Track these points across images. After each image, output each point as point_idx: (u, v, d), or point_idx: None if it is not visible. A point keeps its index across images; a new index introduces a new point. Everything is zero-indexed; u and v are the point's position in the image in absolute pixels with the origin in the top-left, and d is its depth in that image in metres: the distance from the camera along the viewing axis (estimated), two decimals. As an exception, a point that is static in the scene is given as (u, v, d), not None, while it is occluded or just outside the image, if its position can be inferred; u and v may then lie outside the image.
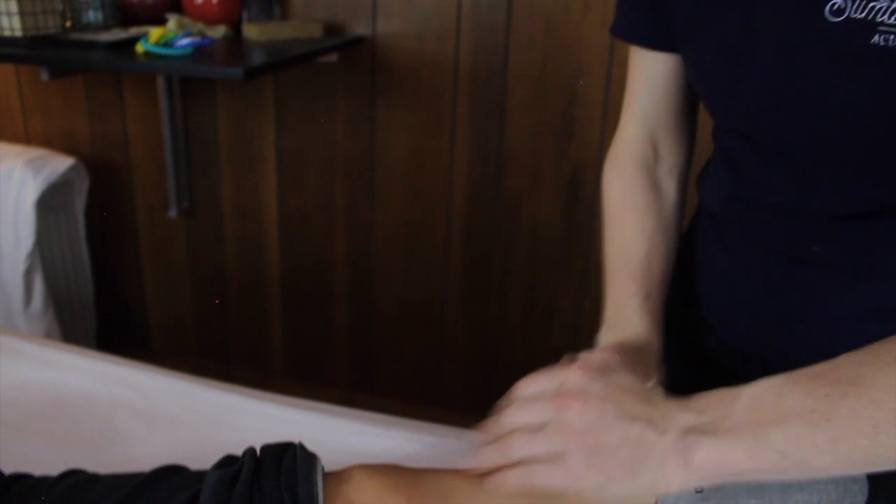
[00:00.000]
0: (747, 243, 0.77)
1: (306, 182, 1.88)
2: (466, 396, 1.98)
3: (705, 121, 0.79)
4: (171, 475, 0.66)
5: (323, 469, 0.67)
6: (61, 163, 1.87)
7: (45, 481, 0.66)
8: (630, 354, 0.72)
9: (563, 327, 1.81)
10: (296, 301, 2.01)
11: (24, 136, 2.03)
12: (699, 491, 0.72)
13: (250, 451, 0.66)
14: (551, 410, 0.60)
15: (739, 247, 0.78)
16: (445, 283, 1.87)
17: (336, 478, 0.66)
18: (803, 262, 0.72)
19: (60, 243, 1.97)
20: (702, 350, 0.86)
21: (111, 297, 2.15)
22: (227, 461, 0.66)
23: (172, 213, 1.94)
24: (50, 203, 1.90)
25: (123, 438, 0.82)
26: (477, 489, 0.68)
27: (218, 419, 0.89)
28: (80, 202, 1.97)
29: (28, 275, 1.88)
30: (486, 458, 0.62)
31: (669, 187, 0.85)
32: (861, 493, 0.73)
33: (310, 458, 0.65)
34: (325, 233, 1.91)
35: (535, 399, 0.61)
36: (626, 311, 0.77)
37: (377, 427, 0.91)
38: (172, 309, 2.13)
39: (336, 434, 0.88)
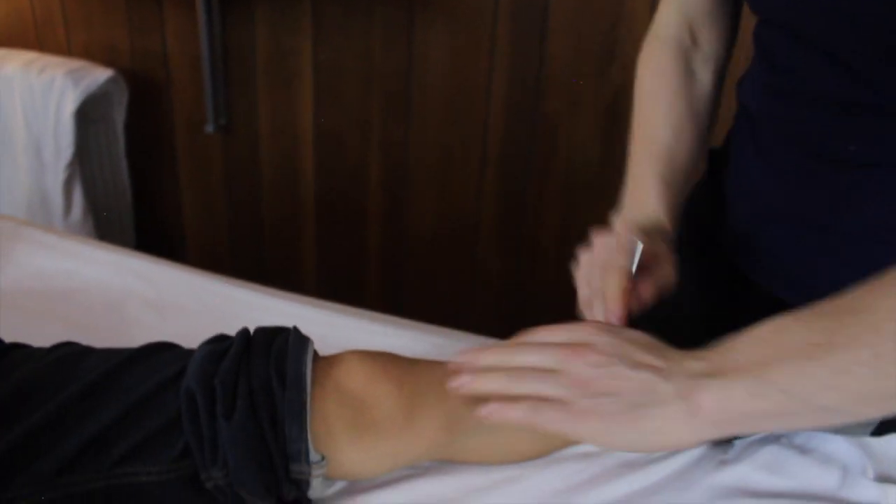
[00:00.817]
0: (782, 144, 0.73)
1: (342, 100, 1.86)
2: (498, 324, 1.97)
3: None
4: (163, 350, 0.65)
5: (315, 352, 0.66)
6: (101, 74, 1.88)
7: (39, 351, 0.66)
8: (644, 235, 0.69)
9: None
10: (329, 221, 2.00)
11: (66, 49, 2.03)
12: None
13: (243, 331, 0.65)
14: (560, 357, 0.57)
15: (774, 148, 0.74)
16: (479, 207, 1.84)
17: (328, 361, 0.65)
18: (840, 162, 0.68)
19: (100, 156, 1.99)
20: (727, 263, 0.83)
21: (149, 210, 2.18)
22: (219, 339, 0.65)
23: (209, 128, 1.94)
24: (90, 115, 1.91)
25: (132, 326, 0.82)
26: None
27: (226, 312, 0.88)
28: (119, 115, 1.98)
29: (68, 185, 1.91)
30: (487, 382, 0.59)
31: (705, 75, 0.81)
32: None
33: (302, 340, 0.64)
34: (359, 153, 1.89)
35: (546, 344, 0.59)
36: (645, 192, 0.75)
37: (385, 326, 0.90)
38: (209, 225, 2.14)
39: (342, 331, 0.87)
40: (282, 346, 0.64)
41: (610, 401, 0.54)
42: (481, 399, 0.62)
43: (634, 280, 0.66)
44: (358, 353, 0.65)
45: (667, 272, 0.70)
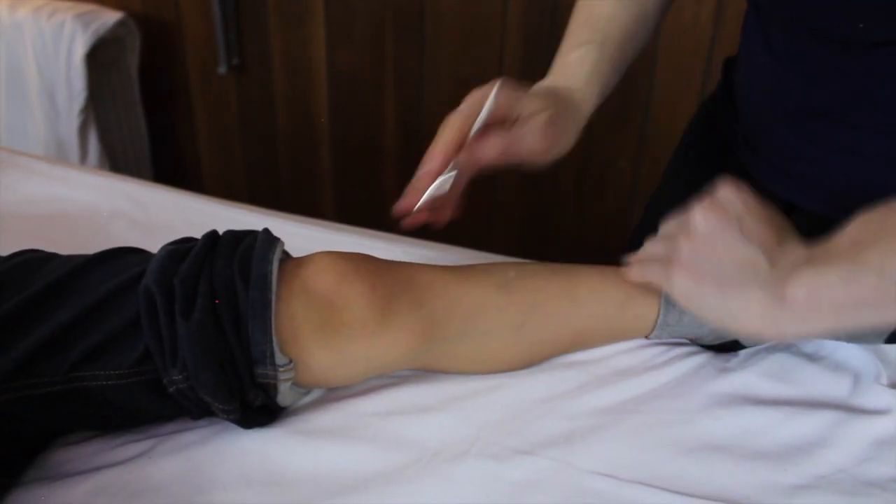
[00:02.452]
0: (790, 31, 0.68)
1: (355, 36, 1.81)
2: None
3: None
4: (128, 253, 0.63)
5: (286, 253, 0.63)
6: (110, 17, 1.85)
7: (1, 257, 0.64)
8: (551, 99, 0.66)
9: (618, 191, 1.71)
10: (345, 159, 1.97)
11: (78, -7, 2.01)
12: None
13: (210, 232, 0.62)
14: (690, 216, 0.56)
15: (782, 38, 0.70)
16: (496, 142, 1.79)
17: (297, 262, 0.62)
18: (849, 44, 0.63)
19: (115, 101, 1.97)
20: (740, 171, 0.79)
21: (166, 154, 2.17)
22: (184, 240, 0.62)
23: (222, 69, 1.91)
24: (102, 59, 1.89)
25: (117, 245, 0.79)
26: (453, 283, 0.63)
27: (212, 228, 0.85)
28: (133, 60, 1.96)
29: (83, 130, 1.90)
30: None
31: None
32: None
33: (270, 240, 0.61)
34: (374, 89, 1.85)
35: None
36: (569, 57, 0.72)
37: (375, 241, 0.87)
38: (226, 167, 2.13)
39: (332, 246, 0.83)
40: (248, 245, 0.61)
41: (706, 264, 0.53)
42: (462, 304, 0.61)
43: (480, 131, 0.62)
44: (329, 253, 0.62)
45: (531, 135, 0.64)
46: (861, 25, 0.61)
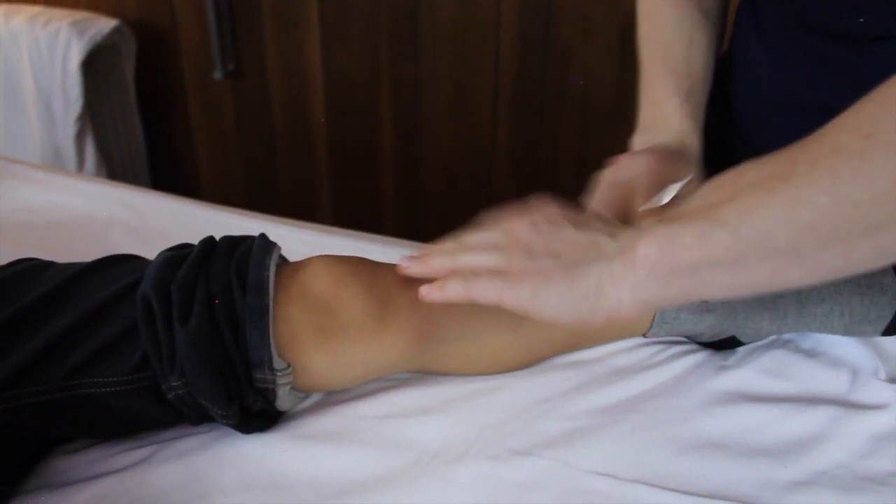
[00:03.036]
0: (786, 25, 0.69)
1: (350, 40, 1.81)
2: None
3: None
4: (124, 261, 0.63)
5: (283, 258, 0.63)
6: (106, 24, 1.85)
7: (-1, 266, 0.64)
8: (667, 156, 0.64)
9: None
10: (343, 162, 1.97)
11: (73, 2, 2.01)
12: (703, 300, 0.65)
13: (206, 238, 0.62)
14: (507, 225, 0.54)
15: (778, 32, 0.70)
16: (494, 141, 1.79)
17: (293, 266, 0.62)
18: (847, 38, 0.63)
19: (112, 108, 1.97)
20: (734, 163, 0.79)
21: (163, 160, 2.16)
22: (181, 246, 0.62)
23: (218, 75, 1.91)
24: (98, 67, 1.89)
25: (114, 251, 0.79)
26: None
27: (210, 234, 0.86)
28: (129, 67, 1.96)
29: (80, 138, 1.90)
30: (429, 263, 0.56)
31: None
32: (890, 306, 0.64)
33: (266, 245, 0.61)
34: (370, 92, 1.85)
35: (498, 223, 0.55)
36: (665, 110, 0.69)
37: (372, 244, 0.87)
38: (223, 172, 2.13)
39: (330, 250, 0.83)
40: (245, 251, 0.61)
41: (549, 260, 0.50)
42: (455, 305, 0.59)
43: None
44: (325, 257, 0.62)
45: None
46: (862, 20, 0.61)
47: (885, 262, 0.42)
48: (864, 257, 0.41)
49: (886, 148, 0.38)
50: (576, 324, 0.50)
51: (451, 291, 0.53)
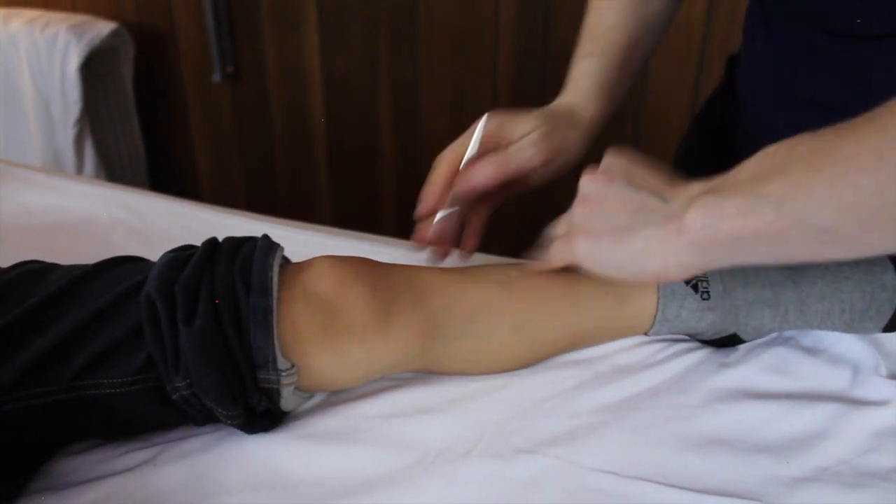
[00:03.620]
0: (792, 23, 0.70)
1: (349, 41, 1.82)
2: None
3: None
4: (128, 262, 0.63)
5: (286, 258, 0.63)
6: (104, 27, 1.86)
7: (0, 269, 0.64)
8: (543, 117, 0.68)
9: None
10: (342, 163, 1.98)
11: (71, 5, 2.01)
12: (705, 298, 0.65)
13: (210, 239, 0.63)
14: (579, 186, 0.58)
15: (784, 30, 0.71)
16: (492, 143, 1.79)
17: (297, 266, 0.62)
18: (849, 37, 0.65)
19: (110, 111, 1.98)
20: (739, 159, 0.80)
21: (162, 163, 2.17)
22: (184, 247, 0.63)
23: (217, 77, 1.91)
24: (97, 70, 1.89)
25: (116, 253, 0.80)
26: (453, 283, 0.64)
27: (211, 236, 0.86)
28: (127, 70, 1.96)
29: (79, 141, 1.90)
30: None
31: None
32: (890, 302, 0.65)
33: (270, 246, 0.61)
34: (369, 93, 1.85)
35: None
36: (574, 72, 0.74)
37: (374, 245, 0.87)
38: (222, 174, 2.13)
39: (331, 251, 0.84)
40: (248, 251, 0.61)
41: (601, 220, 0.53)
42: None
43: (473, 159, 0.64)
44: (329, 257, 0.62)
45: (523, 152, 0.67)
46: (859, 21, 0.62)
47: None
48: None
49: None
50: (625, 280, 0.56)
51: (544, 263, 0.60)
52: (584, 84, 0.72)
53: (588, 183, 0.56)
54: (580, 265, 0.56)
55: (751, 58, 0.78)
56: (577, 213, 0.56)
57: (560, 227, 0.60)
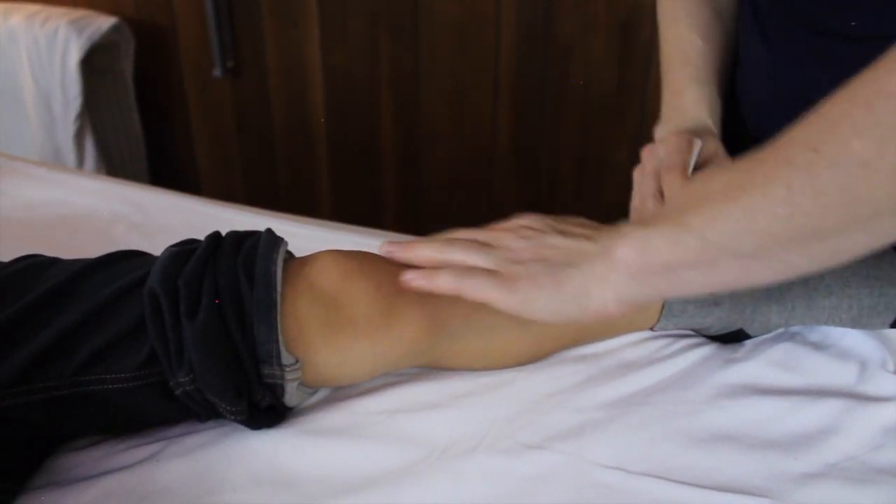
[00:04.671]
0: (786, 26, 0.70)
1: (350, 36, 1.81)
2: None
3: None
4: (130, 256, 0.63)
5: (289, 253, 0.63)
6: (104, 22, 1.85)
7: (1, 263, 0.63)
8: (684, 134, 0.67)
9: (617, 182, 1.71)
10: (343, 159, 1.97)
11: (71, 0, 2.00)
12: (711, 293, 0.65)
13: (213, 233, 0.62)
14: (492, 235, 0.58)
15: (779, 32, 0.71)
16: (494, 136, 1.79)
17: (301, 261, 0.62)
18: (844, 37, 0.65)
19: (111, 107, 1.97)
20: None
21: (162, 159, 2.16)
22: (187, 241, 0.62)
23: (217, 72, 1.90)
24: (97, 65, 1.89)
25: (118, 247, 0.79)
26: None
27: (212, 230, 0.85)
28: (127, 65, 1.95)
29: (79, 137, 1.89)
30: (414, 251, 0.59)
31: None
32: (899, 298, 0.64)
33: (274, 240, 0.61)
34: (370, 88, 1.85)
35: (479, 230, 0.60)
36: (683, 98, 0.73)
37: (376, 239, 0.86)
38: (223, 170, 2.12)
39: (333, 246, 0.83)
40: (252, 246, 0.60)
41: (538, 266, 0.53)
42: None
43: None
44: (333, 252, 0.62)
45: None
46: (853, 23, 0.62)
47: (841, 260, 0.46)
48: (823, 258, 0.46)
49: (831, 163, 0.41)
50: (565, 322, 0.56)
51: (442, 283, 0.55)
52: (704, 109, 0.73)
53: (511, 237, 0.56)
54: (511, 312, 0.55)
55: (748, 62, 0.78)
56: (509, 259, 0.55)
57: (468, 256, 0.57)
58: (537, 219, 0.58)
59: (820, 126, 0.43)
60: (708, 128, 0.71)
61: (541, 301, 0.53)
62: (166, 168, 2.18)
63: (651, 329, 0.68)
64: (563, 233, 0.55)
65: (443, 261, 0.57)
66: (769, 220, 0.43)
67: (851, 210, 0.41)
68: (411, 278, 0.56)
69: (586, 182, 1.76)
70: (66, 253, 0.68)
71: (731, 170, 0.47)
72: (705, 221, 0.46)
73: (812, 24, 0.66)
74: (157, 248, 0.64)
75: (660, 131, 0.74)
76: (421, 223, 1.97)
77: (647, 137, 1.66)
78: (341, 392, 0.64)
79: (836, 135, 0.41)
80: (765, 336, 0.69)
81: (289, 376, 0.57)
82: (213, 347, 0.55)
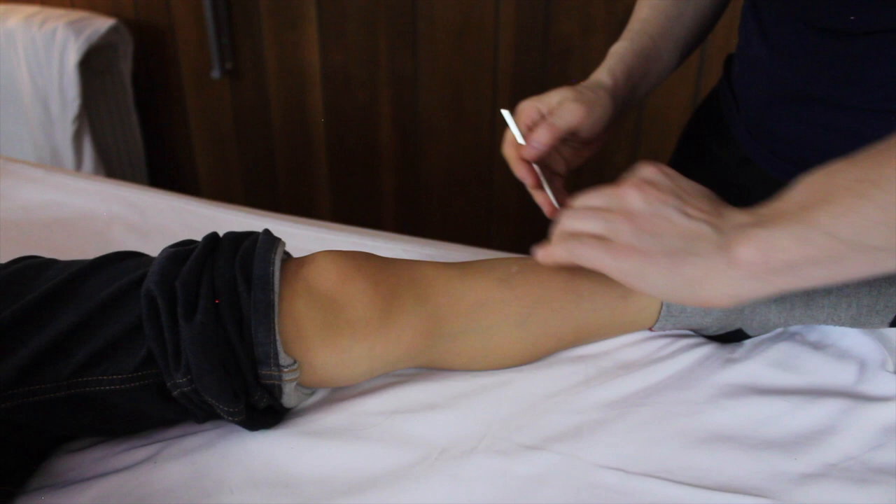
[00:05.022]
0: (786, 22, 0.70)
1: (348, 37, 1.81)
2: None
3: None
4: (127, 258, 0.62)
5: (287, 253, 0.62)
6: (102, 23, 1.85)
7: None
8: (565, 88, 0.70)
9: (616, 182, 1.71)
10: (342, 161, 1.97)
11: (69, 1, 2.00)
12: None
13: (210, 234, 0.62)
14: (613, 193, 0.56)
15: (778, 28, 0.71)
16: (493, 138, 1.79)
17: (298, 261, 0.62)
18: (842, 32, 0.66)
19: (109, 108, 1.97)
20: (739, 153, 0.81)
21: (161, 160, 2.16)
22: (185, 242, 0.62)
23: (216, 74, 1.90)
24: (95, 67, 1.89)
25: (115, 248, 0.79)
26: (455, 279, 0.63)
27: (210, 231, 0.85)
28: (126, 66, 1.95)
29: (77, 138, 1.89)
30: (559, 225, 0.58)
31: None
32: (898, 297, 0.64)
33: (271, 240, 0.61)
34: (369, 91, 1.84)
35: (603, 190, 0.58)
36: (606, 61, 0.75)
37: (376, 240, 0.86)
38: (221, 172, 2.12)
39: (332, 246, 0.83)
40: (249, 246, 0.60)
41: (653, 240, 0.52)
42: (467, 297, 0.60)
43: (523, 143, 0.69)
44: (330, 252, 0.62)
45: (565, 110, 0.68)
46: (852, 18, 0.62)
47: None
48: None
49: None
50: (672, 301, 0.56)
51: (558, 254, 0.56)
52: (606, 63, 0.75)
53: (636, 194, 0.54)
54: (623, 282, 0.55)
55: (747, 57, 0.79)
56: (626, 227, 0.53)
57: (584, 223, 0.56)
58: (662, 177, 0.55)
59: None
60: (598, 83, 0.72)
61: (653, 277, 0.52)
62: (165, 169, 2.18)
63: (649, 329, 0.68)
64: (684, 203, 0.54)
65: (570, 231, 0.57)
66: None
67: None
68: (542, 257, 0.58)
69: (584, 183, 1.75)
70: (64, 254, 0.68)
71: (854, 164, 0.47)
72: (835, 217, 0.46)
73: (810, 20, 0.66)
74: (154, 249, 0.64)
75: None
76: (420, 224, 1.97)
77: (647, 137, 1.65)
78: (339, 393, 0.64)
79: None
80: (763, 336, 0.68)
81: (287, 377, 0.57)
82: (211, 349, 0.54)
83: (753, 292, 0.51)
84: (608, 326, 0.67)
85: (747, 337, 0.68)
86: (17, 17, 1.86)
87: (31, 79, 1.87)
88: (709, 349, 0.67)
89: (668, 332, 0.68)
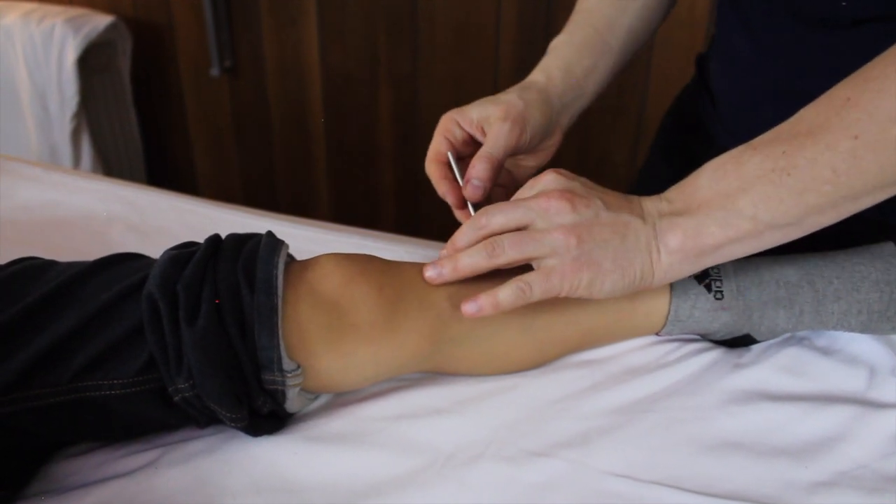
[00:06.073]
0: (771, 13, 0.69)
1: (348, 36, 1.80)
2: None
3: None
4: (128, 260, 0.61)
5: (290, 256, 0.62)
6: (101, 20, 1.84)
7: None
8: (490, 101, 0.69)
9: (615, 185, 1.70)
10: (341, 159, 1.96)
11: (68, -2, 2.00)
12: (718, 298, 0.64)
13: (212, 236, 0.61)
14: (535, 208, 0.56)
15: (760, 19, 0.71)
16: (493, 139, 1.78)
17: (302, 264, 0.61)
18: (831, 22, 0.64)
19: (108, 106, 1.96)
20: (717, 151, 0.79)
21: (159, 158, 2.15)
22: (186, 244, 0.61)
23: (214, 71, 1.89)
24: (94, 64, 1.87)
25: (116, 249, 0.78)
26: (460, 283, 0.62)
27: (210, 231, 0.84)
28: (125, 64, 1.94)
29: (76, 136, 1.88)
30: (462, 265, 0.58)
31: None
32: (909, 301, 0.63)
33: (274, 243, 0.60)
34: (368, 89, 1.84)
35: (518, 202, 0.58)
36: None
37: (377, 241, 0.86)
38: (220, 170, 2.11)
39: (333, 248, 0.82)
40: (252, 249, 0.59)
41: (599, 249, 0.54)
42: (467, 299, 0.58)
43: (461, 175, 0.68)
44: (334, 255, 0.61)
45: (494, 134, 0.67)
46: (843, 3, 0.61)
47: (863, 208, 0.52)
48: (850, 213, 0.52)
49: (873, 149, 0.48)
50: (623, 295, 0.58)
51: (505, 299, 0.56)
52: (543, 59, 0.75)
53: (564, 206, 0.55)
54: (576, 296, 0.57)
55: (727, 55, 0.77)
56: (570, 242, 0.54)
57: (521, 248, 0.56)
58: (570, 181, 0.57)
59: (856, 115, 0.48)
60: (531, 83, 0.72)
61: (606, 285, 0.55)
62: (163, 167, 2.17)
63: (657, 334, 0.67)
64: (602, 200, 0.56)
65: (496, 266, 0.57)
66: (817, 196, 0.50)
67: (884, 175, 0.49)
68: (472, 311, 0.57)
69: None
70: (63, 254, 0.66)
71: (767, 153, 0.52)
72: (755, 204, 0.52)
73: (798, 10, 0.65)
74: (154, 248, 0.63)
75: None
76: (419, 223, 1.96)
77: (646, 140, 1.65)
78: (343, 398, 0.63)
79: (875, 124, 0.48)
80: (771, 341, 0.68)
81: (290, 382, 0.56)
82: (213, 353, 0.54)
83: (683, 273, 0.56)
84: (615, 331, 0.66)
85: (755, 342, 0.67)
86: (15, 13, 1.85)
87: (30, 76, 1.86)
88: (717, 354, 0.66)
89: (675, 336, 0.67)
